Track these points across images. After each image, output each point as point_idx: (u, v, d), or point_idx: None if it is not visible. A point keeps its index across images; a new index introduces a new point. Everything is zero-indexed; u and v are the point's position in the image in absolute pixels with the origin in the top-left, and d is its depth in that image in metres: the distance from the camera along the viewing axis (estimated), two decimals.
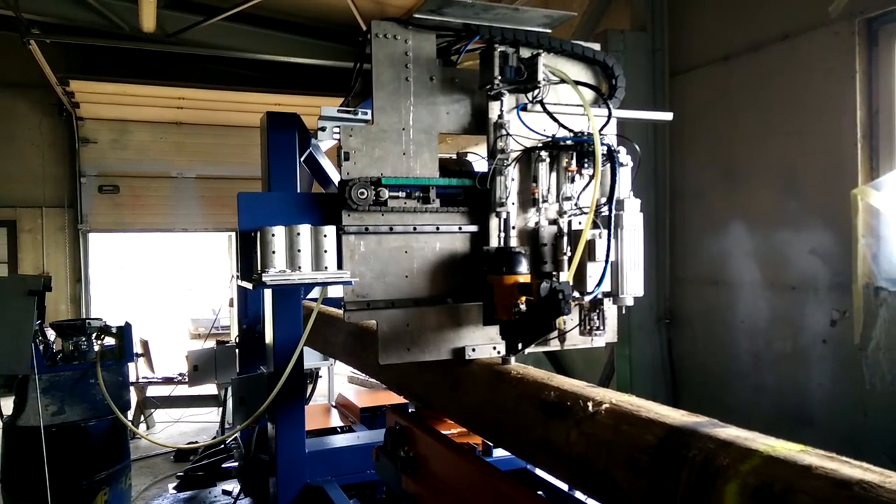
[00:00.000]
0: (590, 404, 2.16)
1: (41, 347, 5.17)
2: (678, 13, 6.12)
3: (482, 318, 3.19)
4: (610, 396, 2.19)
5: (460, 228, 3.27)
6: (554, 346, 3.30)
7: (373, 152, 3.12)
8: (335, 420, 6.41)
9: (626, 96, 3.40)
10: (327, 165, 5.39)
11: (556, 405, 2.31)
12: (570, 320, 3.19)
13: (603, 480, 1.98)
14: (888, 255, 4.45)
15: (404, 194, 3.17)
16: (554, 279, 2.84)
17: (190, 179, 13.07)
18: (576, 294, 2.97)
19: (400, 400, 5.64)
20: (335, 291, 4.32)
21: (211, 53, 9.79)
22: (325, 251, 3.10)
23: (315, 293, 4.71)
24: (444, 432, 3.41)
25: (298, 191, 4.92)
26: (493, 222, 3.20)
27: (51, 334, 5.55)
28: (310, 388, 7.26)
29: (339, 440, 5.19)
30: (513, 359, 3.21)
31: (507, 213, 3.16)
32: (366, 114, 3.17)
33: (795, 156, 5.06)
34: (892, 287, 4.41)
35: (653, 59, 6.13)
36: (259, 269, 3.09)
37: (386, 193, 3.10)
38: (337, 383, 9.03)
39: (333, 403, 7.23)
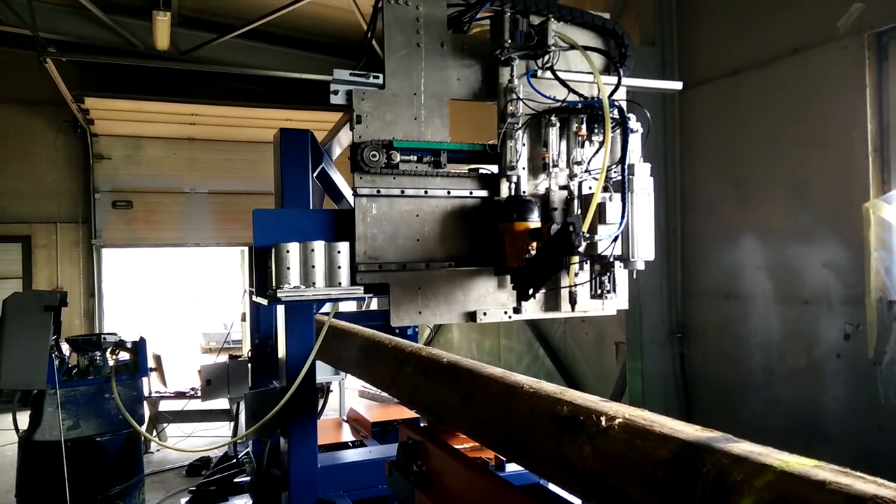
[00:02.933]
0: (603, 419, 2.14)
1: (57, 362, 5.22)
2: (687, 27, 6.15)
3: (493, 271, 3.26)
4: (623, 411, 2.18)
5: (471, 193, 3.31)
6: (565, 310, 3.31)
7: (384, 116, 3.17)
8: (347, 434, 6.40)
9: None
10: (339, 181, 5.42)
11: (568, 420, 2.29)
12: (581, 277, 3.21)
13: (616, 496, 1.97)
14: None
15: (416, 158, 3.22)
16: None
17: (203, 195, 13.17)
18: (586, 234, 2.97)
19: (412, 414, 5.63)
20: (347, 306, 4.34)
21: (223, 70, 9.92)
22: (339, 267, 3.13)
23: (327, 307, 4.73)
24: (457, 447, 3.41)
25: (311, 206, 4.96)
26: (504, 186, 3.24)
27: (66, 349, 5.60)
28: (321, 402, 7.29)
29: (351, 455, 5.18)
30: (524, 309, 3.22)
31: (518, 177, 3.19)
32: (377, 78, 3.22)
33: (806, 169, 5.06)
34: None
35: (662, 74, 6.16)
36: (274, 284, 3.12)
37: (398, 157, 3.14)
38: (348, 397, 9.04)
39: (345, 418, 7.23)
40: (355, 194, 3.11)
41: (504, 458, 3.62)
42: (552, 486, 3.44)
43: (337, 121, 5.37)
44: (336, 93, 3.17)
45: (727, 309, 5.77)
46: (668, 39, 6.20)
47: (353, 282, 3.14)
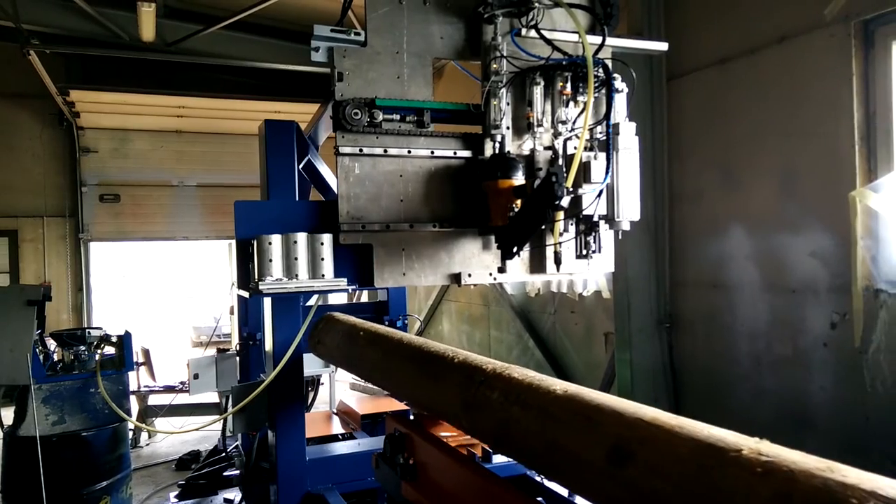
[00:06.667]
0: None
1: (41, 357, 5.17)
2: (674, 18, 6.14)
3: (478, 231, 3.29)
4: None
5: (455, 153, 3.30)
6: (550, 271, 3.31)
7: (367, 74, 3.15)
8: (336, 427, 6.40)
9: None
10: (326, 173, 5.39)
11: None
12: (566, 236, 3.20)
13: None
14: (887, 257, 4.45)
15: (399, 117, 3.20)
16: None
17: (191, 188, 13.08)
18: (570, 188, 2.97)
19: (401, 406, 5.63)
20: (335, 298, 4.30)
21: (210, 62, 9.85)
22: (322, 259, 3.11)
23: (313, 300, 4.70)
24: (443, 434, 3.39)
25: (297, 198, 4.92)
26: (488, 146, 3.23)
27: (51, 344, 5.55)
28: (311, 395, 7.26)
29: (340, 447, 5.16)
30: (509, 270, 3.22)
31: (502, 136, 3.18)
32: (359, 34, 3.20)
33: (793, 158, 5.06)
34: (891, 289, 4.41)
35: (650, 64, 6.14)
36: (256, 277, 3.09)
37: (380, 115, 3.13)
38: (338, 390, 9.02)
39: (334, 410, 7.22)
40: (337, 153, 3.08)
41: (491, 450, 3.59)
42: (539, 477, 3.45)
43: (316, 110, 5.33)
44: (317, 49, 3.14)
45: (715, 298, 5.78)
46: (656, 29, 6.17)
47: (336, 242, 3.11)
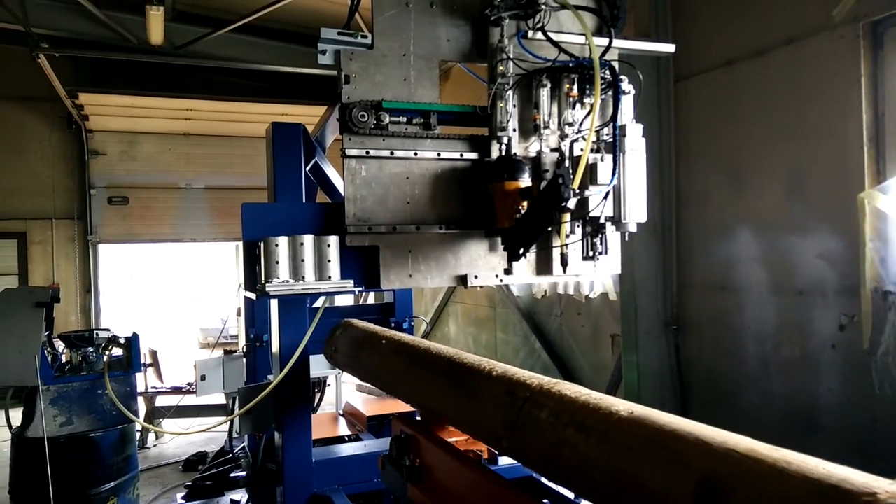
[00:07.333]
0: None
1: (49, 358, 5.20)
2: (682, 19, 6.12)
3: (484, 233, 3.28)
4: None
5: (461, 155, 3.31)
6: (556, 273, 3.31)
7: (373, 77, 3.17)
8: (343, 429, 6.39)
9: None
10: (333, 175, 5.40)
11: None
12: (572, 238, 3.20)
13: None
14: None
15: (405, 119, 3.21)
16: None
17: (199, 190, 13.15)
18: (576, 189, 2.97)
19: (407, 408, 5.62)
20: (342, 300, 4.30)
21: (218, 65, 9.89)
22: (329, 261, 3.11)
23: (319, 302, 4.71)
24: (449, 440, 3.38)
25: (304, 201, 4.93)
26: (495, 148, 3.23)
27: (59, 345, 5.58)
28: (317, 396, 7.27)
29: (346, 449, 5.16)
30: (515, 270, 3.21)
31: (508, 138, 3.19)
32: (366, 37, 3.21)
33: (801, 160, 5.04)
34: None
35: (657, 65, 6.13)
36: (263, 279, 3.10)
37: (387, 118, 3.13)
38: (345, 392, 9.03)
39: (341, 412, 7.22)
40: (344, 156, 3.10)
41: (497, 452, 3.57)
42: (545, 480, 3.44)
43: (323, 113, 5.35)
44: (324, 52, 3.15)
45: (722, 301, 5.76)
46: (663, 30, 6.16)
47: (342, 244, 3.11)
